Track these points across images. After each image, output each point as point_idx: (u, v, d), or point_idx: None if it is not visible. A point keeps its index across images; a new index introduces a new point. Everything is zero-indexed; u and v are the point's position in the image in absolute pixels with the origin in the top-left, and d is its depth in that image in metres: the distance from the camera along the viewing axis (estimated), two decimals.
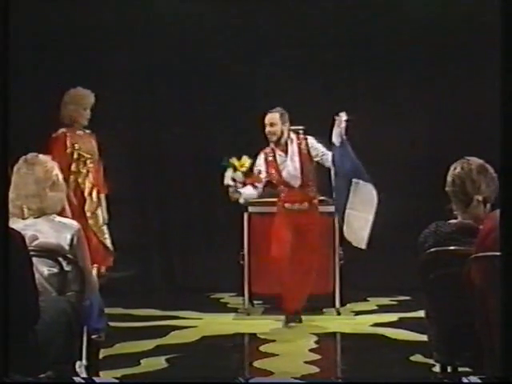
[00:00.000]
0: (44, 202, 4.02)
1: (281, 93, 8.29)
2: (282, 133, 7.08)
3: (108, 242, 7.03)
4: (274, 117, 7.07)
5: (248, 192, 7.00)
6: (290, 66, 8.70)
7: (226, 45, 8.69)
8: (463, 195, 3.92)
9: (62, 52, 8.46)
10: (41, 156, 4.11)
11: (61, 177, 4.12)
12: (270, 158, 7.15)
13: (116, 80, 8.61)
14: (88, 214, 6.91)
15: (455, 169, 3.96)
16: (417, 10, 8.63)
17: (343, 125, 6.77)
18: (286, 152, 7.14)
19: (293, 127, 7.22)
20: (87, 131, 7.09)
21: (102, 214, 7.04)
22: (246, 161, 6.93)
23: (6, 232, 3.05)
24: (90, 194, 6.99)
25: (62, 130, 6.97)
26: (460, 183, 3.93)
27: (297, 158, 7.10)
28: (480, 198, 3.87)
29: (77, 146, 6.95)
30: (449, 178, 3.97)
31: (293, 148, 7.12)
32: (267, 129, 7.08)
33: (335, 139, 6.82)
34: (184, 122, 8.82)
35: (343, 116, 6.80)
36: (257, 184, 7.02)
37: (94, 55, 8.56)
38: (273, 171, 7.14)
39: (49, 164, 4.09)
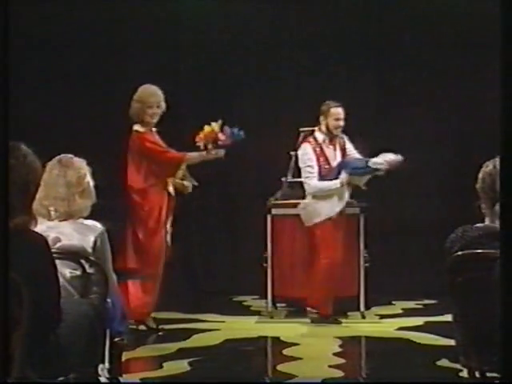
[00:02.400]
0: (72, 206, 4.02)
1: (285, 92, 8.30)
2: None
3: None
4: (340, 111, 7.12)
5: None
6: (295, 65, 8.69)
7: (228, 44, 8.68)
8: (492, 194, 3.87)
9: (63, 52, 8.48)
10: (76, 159, 4.10)
11: (92, 184, 4.11)
12: (318, 150, 7.15)
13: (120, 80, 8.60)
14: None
15: (487, 166, 3.93)
16: (416, 9, 8.57)
17: (392, 162, 6.84)
18: (334, 146, 7.16)
19: (305, 128, 7.27)
20: (153, 129, 6.94)
21: None
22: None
23: (6, 232, 3.03)
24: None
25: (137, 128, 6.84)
26: (490, 181, 3.89)
27: (340, 154, 7.12)
28: None
29: None
30: (480, 176, 3.94)
31: (340, 143, 7.16)
32: (334, 122, 7.09)
33: (379, 162, 6.83)
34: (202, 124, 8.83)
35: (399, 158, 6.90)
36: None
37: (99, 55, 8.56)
38: (324, 163, 7.12)
39: (82, 170, 4.08)
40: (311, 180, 7.09)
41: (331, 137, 7.19)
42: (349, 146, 7.25)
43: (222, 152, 6.72)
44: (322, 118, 7.18)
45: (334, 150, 7.21)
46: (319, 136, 7.19)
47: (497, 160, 3.93)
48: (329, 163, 7.15)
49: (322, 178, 7.09)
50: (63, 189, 4.01)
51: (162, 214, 6.76)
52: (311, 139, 7.21)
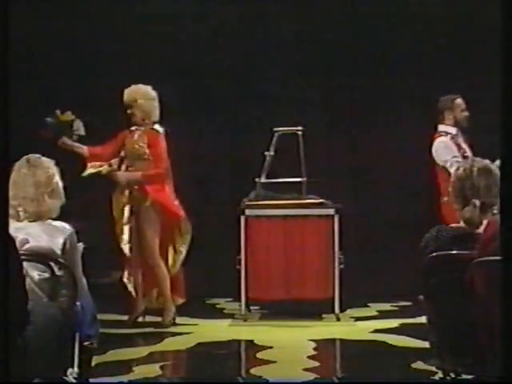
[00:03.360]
0: (41, 207, 3.96)
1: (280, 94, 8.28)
2: None
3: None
4: (463, 102, 7.22)
5: None
6: (291, 67, 8.66)
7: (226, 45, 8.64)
8: (462, 198, 3.85)
9: (62, 53, 8.43)
10: (44, 159, 4.04)
11: (61, 185, 4.05)
12: (454, 143, 7.20)
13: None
14: None
15: (458, 169, 3.90)
16: (417, 8, 8.57)
17: None
18: (463, 138, 7.25)
19: (280, 128, 7.25)
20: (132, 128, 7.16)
21: None
22: (70, 115, 6.99)
23: (6, 232, 2.98)
24: None
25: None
26: (460, 185, 3.86)
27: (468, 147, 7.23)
28: (477, 202, 3.79)
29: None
30: (451, 178, 3.92)
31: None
32: (461, 114, 7.19)
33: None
34: (175, 125, 8.76)
35: None
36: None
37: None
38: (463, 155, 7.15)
39: (51, 170, 4.03)
40: None
41: (461, 129, 7.20)
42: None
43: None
44: (448, 113, 7.20)
45: (464, 142, 7.22)
46: (451, 129, 7.19)
47: (468, 161, 3.90)
48: (466, 156, 7.10)
49: None
50: (32, 189, 3.96)
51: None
52: (443, 134, 7.20)
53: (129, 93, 7.03)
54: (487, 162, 3.89)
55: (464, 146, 7.21)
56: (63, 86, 8.41)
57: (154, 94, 7.09)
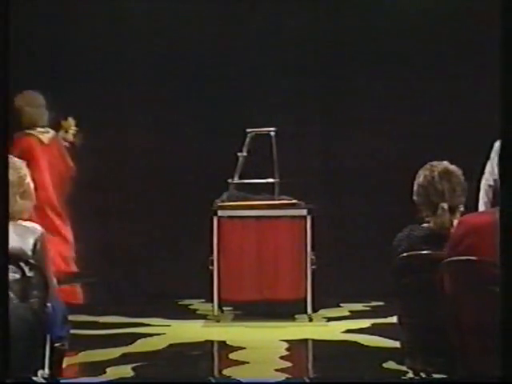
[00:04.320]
0: (13, 207, 3.90)
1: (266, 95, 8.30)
2: None
3: None
4: None
5: None
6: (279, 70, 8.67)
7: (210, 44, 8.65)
8: (429, 204, 3.86)
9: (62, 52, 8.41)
10: (15, 160, 4.03)
11: (32, 186, 4.04)
12: None
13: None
14: None
15: (419, 177, 3.90)
16: (416, 9, 8.60)
17: None
18: None
19: (252, 130, 7.26)
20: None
21: None
22: (72, 122, 7.04)
23: (6, 231, 2.96)
24: None
25: None
26: (424, 192, 3.87)
27: None
28: (445, 205, 3.81)
29: None
30: (414, 188, 3.92)
31: None
32: None
33: None
34: (147, 126, 8.75)
35: None
36: None
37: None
38: None
39: (22, 171, 4.02)
40: None
41: None
42: None
43: None
44: None
45: None
46: None
47: (427, 167, 3.90)
48: None
49: None
50: None
51: None
52: None
53: (16, 99, 6.91)
54: (445, 163, 3.91)
55: None
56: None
57: (40, 100, 7.01)
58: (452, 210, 3.84)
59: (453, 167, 3.88)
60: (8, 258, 2.96)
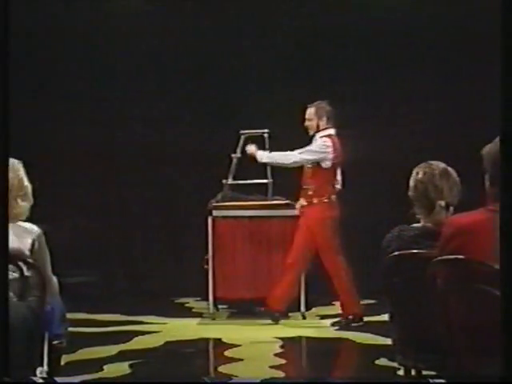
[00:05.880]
0: (14, 209, 3.93)
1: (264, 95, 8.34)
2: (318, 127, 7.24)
3: None
4: (309, 112, 7.22)
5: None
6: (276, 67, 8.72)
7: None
8: (426, 200, 3.91)
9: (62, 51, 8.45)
10: (14, 161, 4.02)
11: (30, 186, 4.04)
12: None
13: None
14: None
15: (418, 174, 3.95)
16: (416, 9, 8.64)
17: None
18: None
19: (246, 131, 7.31)
20: None
21: None
22: None
23: (6, 231, 3.01)
24: None
25: None
26: (423, 188, 3.92)
27: None
28: (443, 203, 3.87)
29: None
30: (411, 183, 3.96)
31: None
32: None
33: None
34: (143, 128, 8.78)
35: None
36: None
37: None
38: None
39: (20, 172, 4.01)
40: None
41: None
42: None
43: None
44: None
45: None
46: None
47: (427, 165, 3.96)
48: None
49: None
50: None
51: None
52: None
53: None
54: (443, 164, 3.98)
55: None
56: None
57: None
58: (447, 209, 3.91)
59: (450, 168, 3.95)
60: (8, 258, 3.00)
